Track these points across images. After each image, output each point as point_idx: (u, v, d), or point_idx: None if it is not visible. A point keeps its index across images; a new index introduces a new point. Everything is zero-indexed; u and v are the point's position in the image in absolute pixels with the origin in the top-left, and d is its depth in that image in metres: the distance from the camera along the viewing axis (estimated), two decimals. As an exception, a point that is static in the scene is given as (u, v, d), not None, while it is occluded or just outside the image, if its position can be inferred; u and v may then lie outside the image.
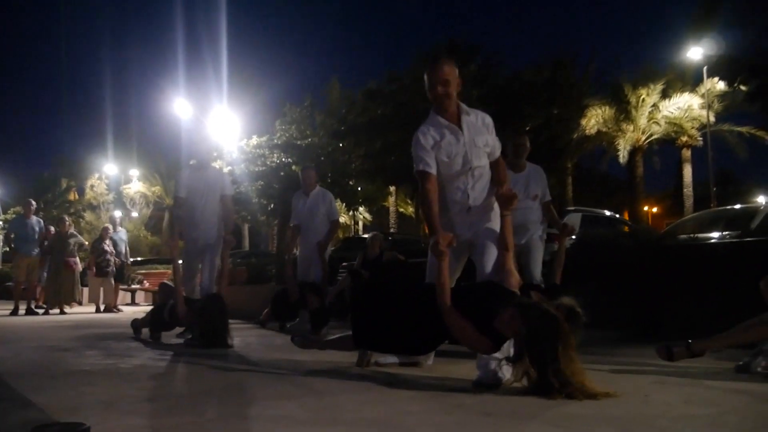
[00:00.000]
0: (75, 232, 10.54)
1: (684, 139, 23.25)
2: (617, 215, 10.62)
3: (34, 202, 10.18)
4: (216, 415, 2.51)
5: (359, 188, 23.79)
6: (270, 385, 3.19)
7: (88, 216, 35.87)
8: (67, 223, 10.42)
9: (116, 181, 39.11)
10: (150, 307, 12.34)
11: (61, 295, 9.84)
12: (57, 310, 9.68)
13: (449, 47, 20.94)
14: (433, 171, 3.11)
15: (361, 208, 29.72)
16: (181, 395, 2.99)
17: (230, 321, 4.99)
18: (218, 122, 18.55)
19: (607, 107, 22.32)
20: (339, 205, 29.48)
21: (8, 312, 9.44)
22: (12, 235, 9.92)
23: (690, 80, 22.57)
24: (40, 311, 9.63)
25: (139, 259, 28.09)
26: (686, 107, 22.16)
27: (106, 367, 3.92)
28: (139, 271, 15.76)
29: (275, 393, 2.95)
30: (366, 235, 12.04)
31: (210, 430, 2.27)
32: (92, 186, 38.86)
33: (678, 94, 22.09)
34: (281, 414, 2.46)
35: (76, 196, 38.88)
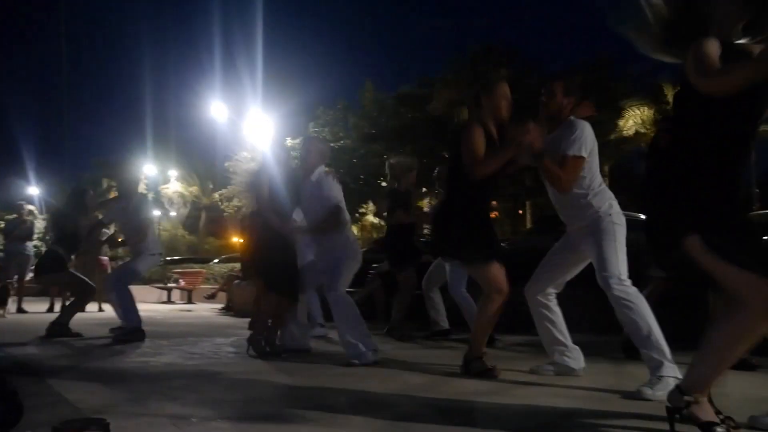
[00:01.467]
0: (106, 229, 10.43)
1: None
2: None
3: None
4: (237, 415, 2.54)
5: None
6: (304, 399, 3.22)
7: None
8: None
9: (155, 182, 39.90)
10: (185, 306, 12.61)
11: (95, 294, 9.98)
12: (95, 308, 9.90)
13: (485, 51, 20.83)
14: None
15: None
16: (205, 395, 3.03)
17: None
18: (253, 124, 18.81)
19: (646, 108, 21.89)
20: (371, 206, 29.57)
21: (45, 309, 9.72)
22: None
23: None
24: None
25: (176, 258, 28.70)
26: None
27: (138, 366, 4.02)
28: (175, 270, 16.05)
29: (299, 404, 2.98)
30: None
31: (230, 429, 2.31)
32: (132, 186, 39.66)
33: (720, 96, 21.50)
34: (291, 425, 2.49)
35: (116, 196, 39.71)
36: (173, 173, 40.62)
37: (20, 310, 9.53)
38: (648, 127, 22.14)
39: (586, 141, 3.24)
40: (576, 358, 3.52)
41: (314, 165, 4.45)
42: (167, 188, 40.66)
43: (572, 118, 3.32)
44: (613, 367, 3.77)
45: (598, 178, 3.33)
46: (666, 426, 2.17)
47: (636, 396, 2.83)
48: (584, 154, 3.21)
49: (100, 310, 9.79)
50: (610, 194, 3.33)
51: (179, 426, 2.31)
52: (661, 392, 2.81)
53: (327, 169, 4.57)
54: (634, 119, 21.68)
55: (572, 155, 3.21)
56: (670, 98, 21.94)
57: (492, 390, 3.11)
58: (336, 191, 4.37)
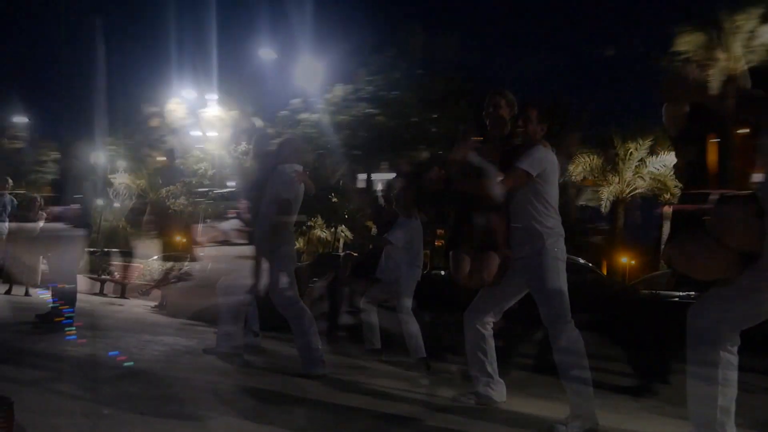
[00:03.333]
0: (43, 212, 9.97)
1: (666, 196, 23.63)
2: (589, 264, 10.73)
3: (10, 180, 9.91)
4: (151, 411, 2.51)
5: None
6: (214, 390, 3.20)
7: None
8: (38, 203, 9.93)
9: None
10: (117, 299, 12.20)
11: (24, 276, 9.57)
12: (22, 291, 9.49)
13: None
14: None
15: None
16: (121, 389, 2.97)
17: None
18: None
19: (595, 157, 22.72)
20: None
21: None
22: None
23: (678, 140, 22.95)
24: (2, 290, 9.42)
25: (113, 249, 27.57)
26: (672, 165, 22.54)
27: (57, 354, 3.90)
28: (111, 263, 15.53)
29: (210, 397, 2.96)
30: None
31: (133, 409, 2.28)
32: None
33: (665, 152, 22.51)
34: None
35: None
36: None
37: None
38: (596, 174, 22.97)
39: (539, 163, 3.26)
40: (499, 391, 3.57)
41: (284, 159, 4.33)
42: (115, 178, 39.10)
43: (540, 145, 3.32)
44: (535, 402, 3.85)
45: (554, 209, 3.34)
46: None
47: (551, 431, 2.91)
48: (531, 171, 3.23)
49: (27, 294, 9.40)
50: (561, 230, 3.34)
51: (89, 417, 2.26)
52: (574, 429, 2.90)
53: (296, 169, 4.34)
54: (584, 166, 22.51)
55: (519, 167, 3.24)
56: (619, 150, 22.86)
57: (412, 413, 3.16)
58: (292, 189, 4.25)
